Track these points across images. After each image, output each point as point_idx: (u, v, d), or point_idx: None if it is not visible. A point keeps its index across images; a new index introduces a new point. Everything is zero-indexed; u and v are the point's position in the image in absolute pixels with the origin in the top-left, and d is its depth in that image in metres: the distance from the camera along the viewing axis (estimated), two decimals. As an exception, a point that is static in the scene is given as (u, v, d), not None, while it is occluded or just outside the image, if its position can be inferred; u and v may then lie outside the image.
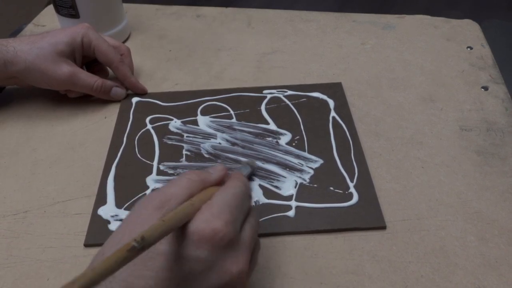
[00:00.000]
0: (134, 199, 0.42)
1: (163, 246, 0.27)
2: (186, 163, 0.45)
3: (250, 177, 0.43)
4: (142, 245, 0.23)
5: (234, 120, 0.50)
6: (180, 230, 0.28)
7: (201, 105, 0.52)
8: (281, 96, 0.53)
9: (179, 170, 0.44)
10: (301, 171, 0.44)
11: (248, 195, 0.33)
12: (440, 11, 0.68)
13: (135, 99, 0.53)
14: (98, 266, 0.21)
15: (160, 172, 0.44)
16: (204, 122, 0.50)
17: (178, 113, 0.51)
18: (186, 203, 0.29)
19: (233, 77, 0.56)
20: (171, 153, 0.46)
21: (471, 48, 0.59)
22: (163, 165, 0.45)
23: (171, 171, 0.44)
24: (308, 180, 0.43)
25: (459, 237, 0.38)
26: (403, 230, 0.39)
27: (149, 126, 0.49)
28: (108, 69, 0.55)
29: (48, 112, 0.52)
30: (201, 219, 0.28)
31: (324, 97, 0.52)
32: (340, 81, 0.55)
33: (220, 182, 0.33)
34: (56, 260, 0.38)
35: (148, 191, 0.42)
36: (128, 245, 0.22)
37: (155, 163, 0.45)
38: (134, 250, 0.23)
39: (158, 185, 0.43)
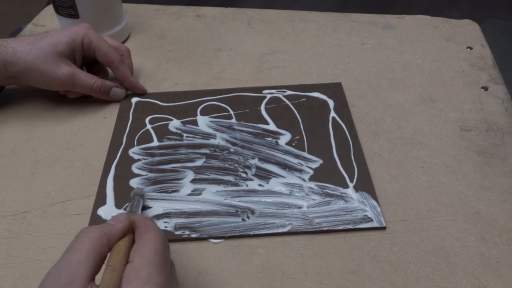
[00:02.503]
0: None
1: None
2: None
3: (144, 207, 0.40)
4: None
5: (233, 120, 0.50)
6: None
7: (200, 105, 0.52)
8: (280, 96, 0.53)
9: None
10: (300, 171, 0.44)
11: (166, 244, 0.30)
12: (440, 11, 0.68)
13: (134, 99, 0.53)
14: None
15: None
16: (203, 122, 0.50)
17: (178, 113, 0.51)
18: (108, 272, 0.26)
19: (233, 77, 0.56)
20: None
21: (471, 48, 0.59)
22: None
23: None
24: (307, 180, 0.43)
25: (459, 237, 0.38)
26: (403, 230, 0.39)
27: (148, 126, 0.49)
28: (108, 69, 0.55)
29: (48, 112, 0.52)
30: None
31: (324, 97, 0.52)
32: (340, 81, 0.54)
33: (126, 232, 0.30)
34: (55, 261, 0.37)
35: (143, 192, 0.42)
36: None
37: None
38: None
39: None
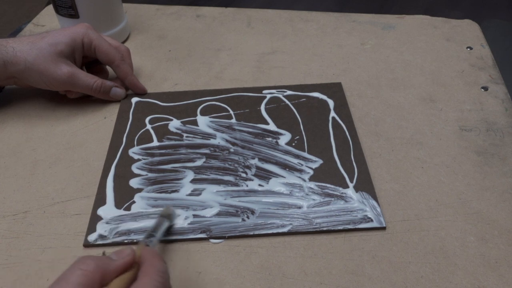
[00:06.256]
0: (133, 199, 0.42)
1: None
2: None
3: (170, 228, 0.38)
4: None
5: (233, 120, 0.50)
6: None
7: (200, 105, 0.52)
8: (280, 96, 0.52)
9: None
10: (300, 171, 0.44)
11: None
12: (440, 11, 0.68)
13: (134, 99, 0.53)
14: None
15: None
16: (203, 122, 0.50)
17: (178, 113, 0.51)
18: None
19: (232, 77, 0.56)
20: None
21: (471, 48, 0.59)
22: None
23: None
24: (307, 180, 0.43)
25: (459, 237, 0.38)
26: (403, 230, 0.39)
27: (148, 126, 0.49)
28: (108, 69, 0.55)
29: (48, 112, 0.52)
30: None
31: (324, 97, 0.52)
32: (340, 81, 0.54)
33: (126, 270, 0.28)
34: (55, 261, 0.38)
35: (143, 192, 0.42)
36: None
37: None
38: None
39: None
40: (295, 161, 0.45)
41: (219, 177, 0.44)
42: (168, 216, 0.38)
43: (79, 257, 0.28)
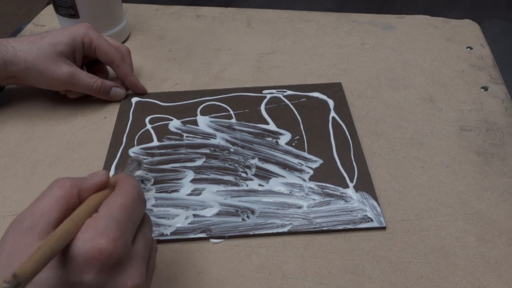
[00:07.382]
0: (133, 199, 0.42)
1: (45, 274, 0.24)
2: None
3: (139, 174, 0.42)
4: (16, 284, 0.20)
5: (233, 120, 0.50)
6: (63, 253, 0.25)
7: (200, 105, 0.52)
8: (280, 96, 0.53)
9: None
10: (300, 171, 0.44)
11: (139, 200, 0.29)
12: (440, 11, 0.68)
13: (134, 99, 0.53)
14: None
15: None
16: (203, 122, 0.50)
17: (178, 113, 0.51)
18: (65, 221, 0.25)
19: (232, 77, 0.56)
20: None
21: (471, 48, 0.59)
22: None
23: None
24: (307, 180, 0.43)
25: (459, 237, 0.38)
26: (403, 230, 0.39)
27: (148, 126, 0.49)
28: (109, 69, 0.55)
29: (48, 112, 0.52)
30: (84, 238, 0.25)
31: (324, 97, 0.52)
32: (340, 81, 0.54)
33: (101, 188, 0.30)
34: (55, 260, 0.38)
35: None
36: None
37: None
38: None
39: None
40: (295, 161, 0.45)
41: (219, 177, 0.44)
42: (138, 161, 0.40)
43: (56, 178, 0.29)
